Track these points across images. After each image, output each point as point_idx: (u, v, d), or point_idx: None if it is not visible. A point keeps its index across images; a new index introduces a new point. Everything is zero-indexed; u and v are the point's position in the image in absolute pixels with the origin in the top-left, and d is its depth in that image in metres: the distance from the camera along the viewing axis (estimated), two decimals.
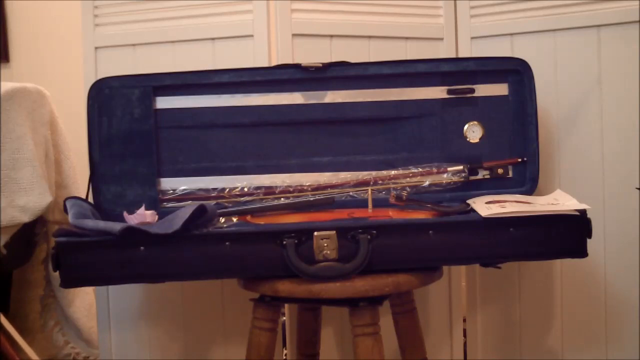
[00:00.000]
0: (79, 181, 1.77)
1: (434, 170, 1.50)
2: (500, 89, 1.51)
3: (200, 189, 1.47)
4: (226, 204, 1.45)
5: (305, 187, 1.49)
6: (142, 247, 1.18)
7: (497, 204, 1.31)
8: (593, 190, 1.59)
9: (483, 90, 1.51)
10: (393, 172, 1.50)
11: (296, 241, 1.20)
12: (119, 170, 1.44)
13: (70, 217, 1.26)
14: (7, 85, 1.54)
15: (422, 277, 1.26)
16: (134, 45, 1.62)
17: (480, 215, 1.24)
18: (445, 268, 1.57)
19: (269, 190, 1.48)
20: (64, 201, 1.36)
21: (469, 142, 1.51)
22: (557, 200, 1.34)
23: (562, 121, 1.62)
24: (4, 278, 1.76)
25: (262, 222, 1.35)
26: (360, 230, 1.21)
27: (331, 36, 1.63)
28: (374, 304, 1.23)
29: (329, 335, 1.70)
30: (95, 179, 1.44)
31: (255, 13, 1.58)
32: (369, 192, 1.40)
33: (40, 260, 1.77)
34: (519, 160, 1.49)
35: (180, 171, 1.48)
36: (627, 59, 1.54)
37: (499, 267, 1.30)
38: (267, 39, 1.58)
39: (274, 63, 1.58)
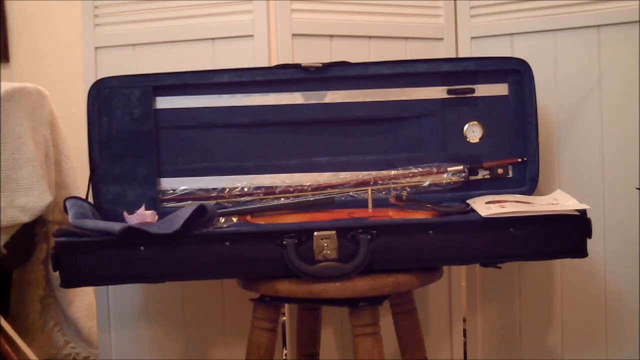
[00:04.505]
0: (79, 181, 1.77)
1: (434, 170, 1.50)
2: (500, 89, 1.51)
3: (200, 189, 1.47)
4: (226, 204, 1.45)
5: (305, 187, 1.49)
6: (142, 247, 1.18)
7: (497, 204, 1.31)
8: (593, 190, 1.59)
9: (483, 90, 1.51)
10: (393, 172, 1.50)
11: (296, 241, 1.20)
12: (119, 170, 1.44)
13: (70, 217, 1.26)
14: (7, 85, 1.54)
15: (422, 277, 1.26)
16: (134, 45, 1.62)
17: (480, 215, 1.24)
18: (445, 268, 1.58)
19: (269, 190, 1.48)
20: (64, 201, 1.36)
21: (469, 142, 1.51)
22: (557, 200, 1.34)
23: (562, 121, 1.62)
24: (4, 278, 1.76)
25: (262, 222, 1.35)
26: (360, 230, 1.21)
27: (331, 36, 1.63)
28: (374, 304, 1.22)
29: (329, 335, 1.70)
30: (95, 179, 1.44)
31: (255, 13, 1.58)
32: (369, 192, 1.40)
33: (40, 260, 1.77)
34: (519, 160, 1.49)
35: (180, 171, 1.48)
36: (627, 59, 1.54)
37: (499, 267, 1.30)
38: (267, 39, 1.58)
39: (274, 63, 1.58)
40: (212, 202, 1.44)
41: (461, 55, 1.69)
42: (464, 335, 1.78)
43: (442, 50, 1.69)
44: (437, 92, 1.51)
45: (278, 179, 1.49)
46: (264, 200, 1.46)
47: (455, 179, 1.49)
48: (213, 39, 1.60)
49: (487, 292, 1.74)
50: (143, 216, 1.30)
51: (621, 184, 1.57)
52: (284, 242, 1.20)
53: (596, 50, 1.57)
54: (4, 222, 1.52)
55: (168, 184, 1.47)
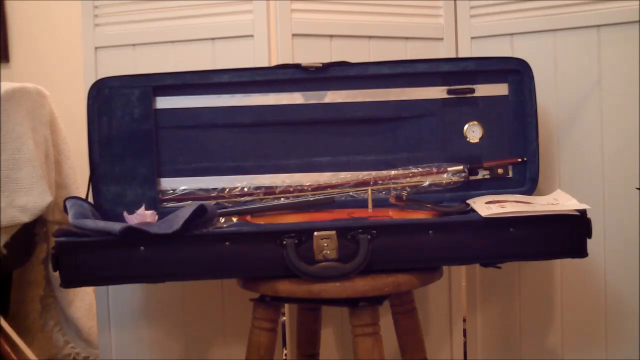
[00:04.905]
0: (79, 181, 1.77)
1: (434, 170, 1.50)
2: (500, 89, 1.51)
3: (200, 189, 1.47)
4: (226, 204, 1.45)
5: (305, 187, 1.49)
6: (142, 247, 1.18)
7: (497, 204, 1.31)
8: (593, 190, 1.59)
9: (483, 90, 1.51)
10: (393, 172, 1.50)
11: (296, 241, 1.20)
12: (119, 170, 1.44)
13: (70, 217, 1.26)
14: (7, 85, 1.54)
15: (422, 277, 1.26)
16: (134, 45, 1.62)
17: (480, 215, 1.24)
18: (445, 268, 1.58)
19: (269, 190, 1.48)
20: (64, 201, 1.36)
21: (469, 142, 1.51)
22: (557, 200, 1.34)
23: (562, 121, 1.62)
24: (4, 278, 1.76)
25: (262, 222, 1.35)
26: (360, 230, 1.21)
27: (331, 36, 1.63)
28: (374, 304, 1.22)
29: (329, 335, 1.70)
30: (95, 179, 1.44)
31: (255, 13, 1.58)
32: (369, 192, 1.40)
33: (40, 260, 1.77)
34: (519, 160, 1.49)
35: (180, 171, 1.48)
36: (627, 59, 1.54)
37: (499, 267, 1.30)
38: (267, 39, 1.58)
39: (274, 63, 1.58)
40: (212, 202, 1.44)
41: (461, 55, 1.69)
42: (464, 335, 1.78)
43: (442, 50, 1.69)
44: (437, 92, 1.51)
45: (278, 179, 1.49)
46: (264, 200, 1.46)
47: (455, 179, 1.49)
48: (213, 39, 1.60)
49: (487, 292, 1.74)
50: (143, 216, 1.30)
51: (621, 184, 1.57)
52: (284, 242, 1.20)
53: (596, 50, 1.57)
54: (4, 222, 1.52)
55: (168, 184, 1.47)
